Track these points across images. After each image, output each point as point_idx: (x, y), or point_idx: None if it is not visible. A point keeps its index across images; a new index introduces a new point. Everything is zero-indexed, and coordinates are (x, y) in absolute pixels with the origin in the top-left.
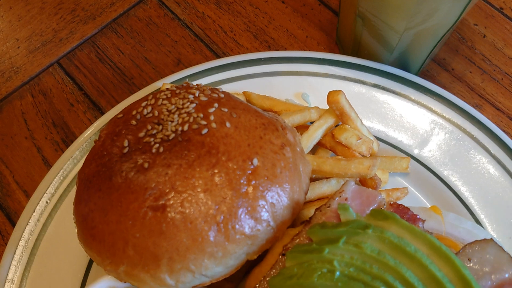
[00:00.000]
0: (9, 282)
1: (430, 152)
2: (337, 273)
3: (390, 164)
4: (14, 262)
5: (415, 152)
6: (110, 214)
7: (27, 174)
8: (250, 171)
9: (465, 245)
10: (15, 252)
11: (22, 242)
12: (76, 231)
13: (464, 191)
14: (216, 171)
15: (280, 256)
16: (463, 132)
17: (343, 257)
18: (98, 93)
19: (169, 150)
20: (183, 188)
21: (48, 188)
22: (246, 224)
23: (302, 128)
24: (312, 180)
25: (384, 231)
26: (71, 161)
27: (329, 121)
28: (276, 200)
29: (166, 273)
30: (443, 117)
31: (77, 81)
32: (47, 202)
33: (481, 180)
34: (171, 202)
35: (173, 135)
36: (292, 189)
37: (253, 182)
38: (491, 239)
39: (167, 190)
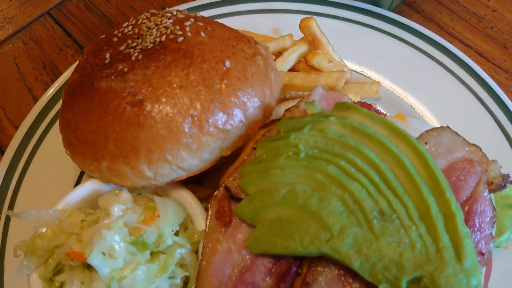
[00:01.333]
0: None
1: (400, 79)
2: (302, 154)
3: (361, 89)
4: (5, 180)
5: (386, 79)
6: (92, 114)
7: (19, 112)
8: (223, 72)
9: (423, 132)
10: (6, 171)
11: (13, 163)
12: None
13: (430, 114)
14: (191, 70)
15: (252, 150)
16: (432, 59)
17: (307, 141)
18: (86, 38)
19: (147, 57)
20: (159, 85)
21: (37, 115)
22: (219, 118)
23: (277, 56)
24: (286, 99)
25: (346, 118)
26: (59, 92)
27: (302, 48)
28: (247, 99)
29: (144, 164)
30: (413, 46)
31: (66, 28)
32: (36, 128)
33: (449, 103)
34: (148, 97)
35: (151, 45)
36: (263, 92)
37: (226, 81)
38: (447, 126)
39: (145, 87)
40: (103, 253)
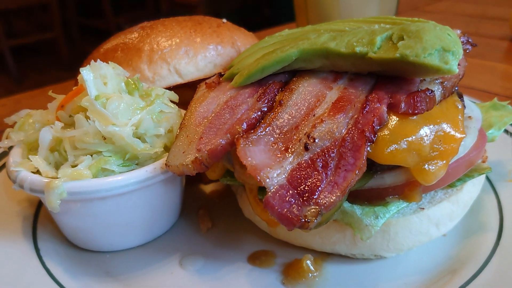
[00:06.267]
0: None
1: None
2: (284, 35)
3: None
4: None
5: None
6: (110, 42)
7: None
8: (220, 22)
9: None
10: None
11: None
12: None
13: None
14: (195, 17)
15: None
16: None
17: (282, 36)
18: None
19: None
20: (167, 19)
21: None
22: (214, 38)
23: None
24: None
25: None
26: None
27: None
28: (238, 37)
29: (145, 64)
30: None
31: None
32: None
33: None
34: (158, 23)
35: None
36: (254, 42)
37: (222, 26)
38: None
39: (155, 21)
40: (96, 78)
